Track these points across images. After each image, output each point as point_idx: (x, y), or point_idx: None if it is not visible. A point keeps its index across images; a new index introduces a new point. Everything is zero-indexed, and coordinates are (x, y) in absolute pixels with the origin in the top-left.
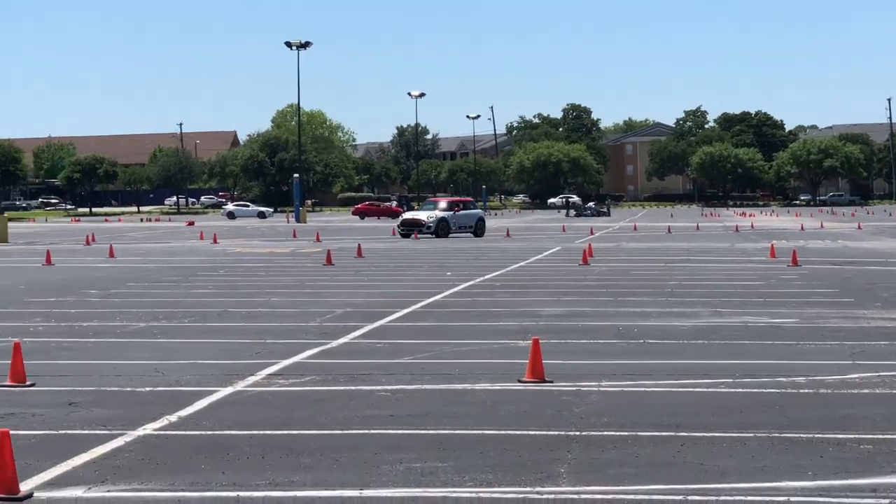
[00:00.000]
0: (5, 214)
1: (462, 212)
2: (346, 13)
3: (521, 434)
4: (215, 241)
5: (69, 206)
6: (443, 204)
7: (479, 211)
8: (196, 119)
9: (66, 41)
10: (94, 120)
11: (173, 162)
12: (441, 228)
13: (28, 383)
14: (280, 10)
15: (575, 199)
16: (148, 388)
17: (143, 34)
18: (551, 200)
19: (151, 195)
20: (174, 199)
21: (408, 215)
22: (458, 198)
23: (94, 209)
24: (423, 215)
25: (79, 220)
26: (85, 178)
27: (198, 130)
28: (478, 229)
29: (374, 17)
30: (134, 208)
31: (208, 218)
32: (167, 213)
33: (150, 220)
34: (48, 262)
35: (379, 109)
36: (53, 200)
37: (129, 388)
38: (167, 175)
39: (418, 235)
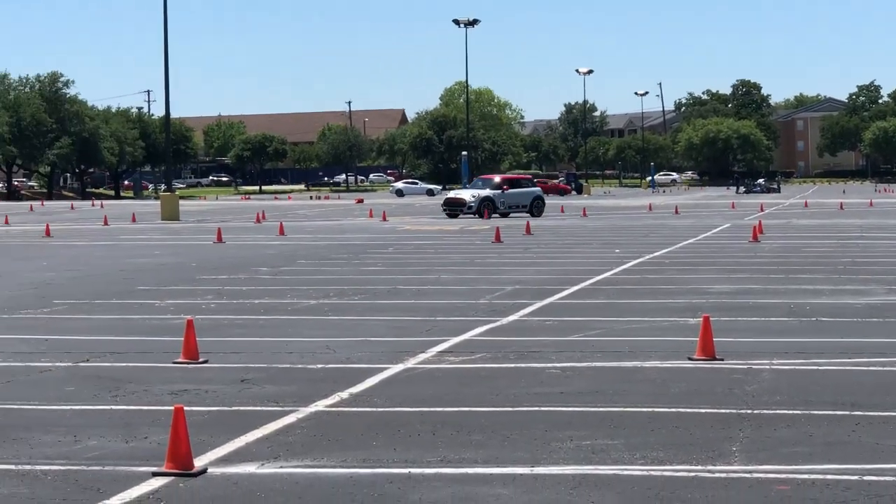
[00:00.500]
0: (176, 192)
1: (512, 190)
2: None
3: (692, 412)
4: (384, 219)
5: (239, 184)
6: (493, 181)
7: (536, 189)
8: (365, 97)
9: (235, 21)
10: (263, 98)
11: (342, 140)
12: (485, 208)
13: (201, 360)
14: None
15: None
16: (319, 365)
17: (311, 12)
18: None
19: (320, 173)
20: (343, 176)
21: (452, 194)
22: (512, 174)
23: (263, 187)
24: (466, 194)
25: (248, 198)
26: (255, 156)
27: (366, 108)
28: (533, 209)
29: None
30: (303, 186)
31: (377, 195)
32: (336, 191)
33: (319, 197)
34: (219, 239)
35: (547, 86)
36: (224, 178)
37: (300, 365)
38: (336, 153)
39: (462, 215)
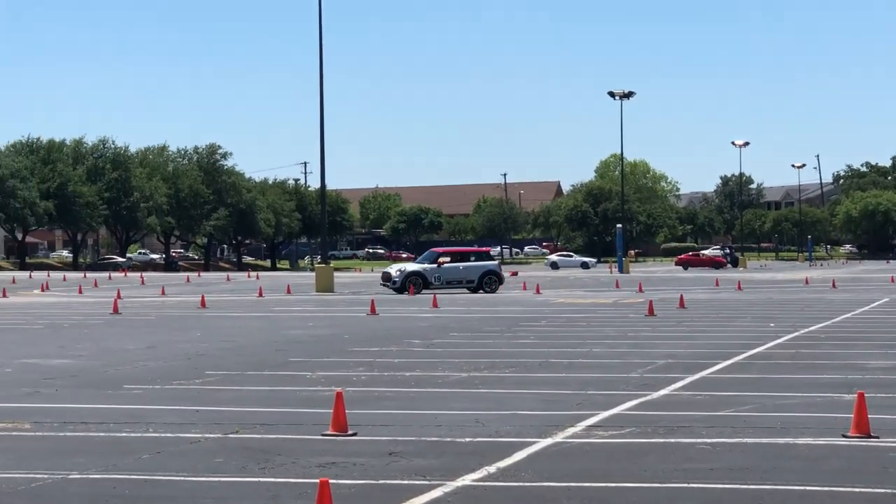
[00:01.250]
0: (331, 264)
1: (451, 265)
2: (669, 61)
3: (846, 491)
4: (538, 292)
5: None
6: (433, 255)
7: (489, 264)
8: (520, 169)
9: (391, 93)
10: (419, 171)
11: (497, 212)
12: (411, 283)
13: (350, 433)
14: (603, 60)
15: None
16: (468, 439)
17: (467, 85)
18: None
19: (475, 245)
20: (498, 248)
21: (388, 268)
22: (463, 248)
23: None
24: (394, 269)
25: None
26: (410, 228)
27: (522, 181)
28: (483, 285)
29: (697, 65)
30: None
31: (531, 268)
32: (505, 263)
33: None
34: (372, 311)
35: (702, 158)
36: (379, 250)
37: (448, 438)
38: (491, 225)
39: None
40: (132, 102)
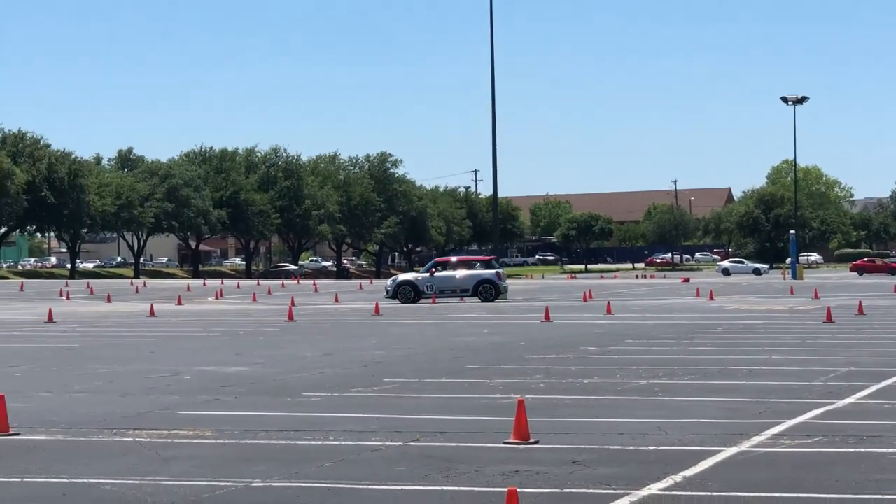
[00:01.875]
0: (504, 271)
1: (444, 273)
2: (843, 65)
3: None
4: (711, 298)
5: (565, 263)
6: (429, 264)
7: (484, 273)
8: (690, 176)
9: (562, 100)
10: (589, 177)
11: (668, 219)
12: (400, 293)
13: (531, 440)
14: (775, 64)
15: None
16: (651, 447)
17: (635, 93)
18: None
19: (646, 252)
20: (668, 255)
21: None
22: (462, 257)
23: (588, 266)
24: (389, 279)
25: (574, 277)
26: (580, 235)
27: (692, 187)
28: (481, 292)
29: (870, 68)
30: (628, 265)
31: (702, 274)
32: (662, 270)
33: (644, 276)
34: (546, 318)
35: (878, 163)
36: (550, 257)
37: (632, 447)
38: (661, 232)
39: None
40: (304, 111)
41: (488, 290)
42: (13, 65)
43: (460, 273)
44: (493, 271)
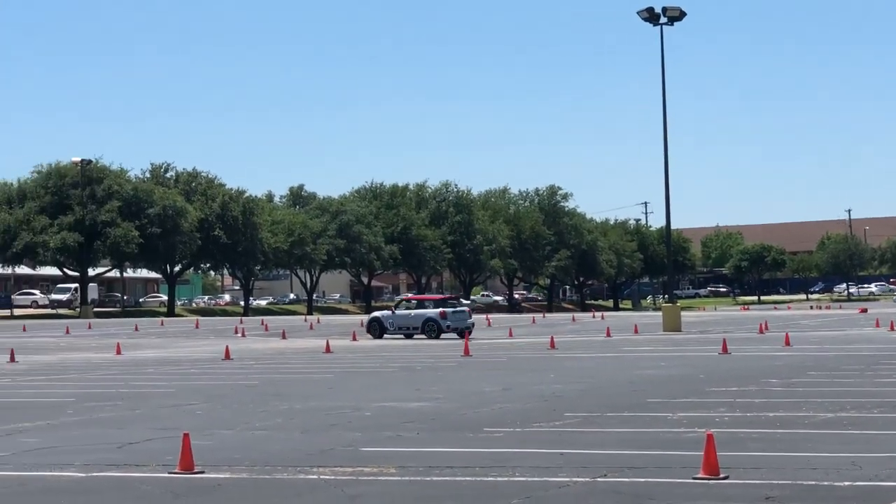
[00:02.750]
0: (678, 303)
1: (404, 311)
2: None
3: None
4: (892, 329)
5: (737, 294)
6: (396, 302)
7: (429, 312)
8: (865, 205)
9: (729, 132)
10: (760, 208)
11: (842, 249)
12: (371, 328)
13: (721, 475)
14: None
15: None
16: (846, 483)
17: (806, 119)
18: None
19: (820, 282)
20: (843, 286)
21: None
22: (424, 296)
23: (761, 297)
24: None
25: (748, 308)
26: (752, 266)
27: (867, 216)
28: (426, 330)
29: None
30: (802, 296)
31: (880, 305)
32: (837, 301)
33: (819, 307)
34: (724, 350)
35: None
36: (721, 289)
37: (826, 483)
38: (836, 262)
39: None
40: (473, 145)
41: (431, 328)
42: (189, 107)
43: (413, 312)
44: (437, 310)
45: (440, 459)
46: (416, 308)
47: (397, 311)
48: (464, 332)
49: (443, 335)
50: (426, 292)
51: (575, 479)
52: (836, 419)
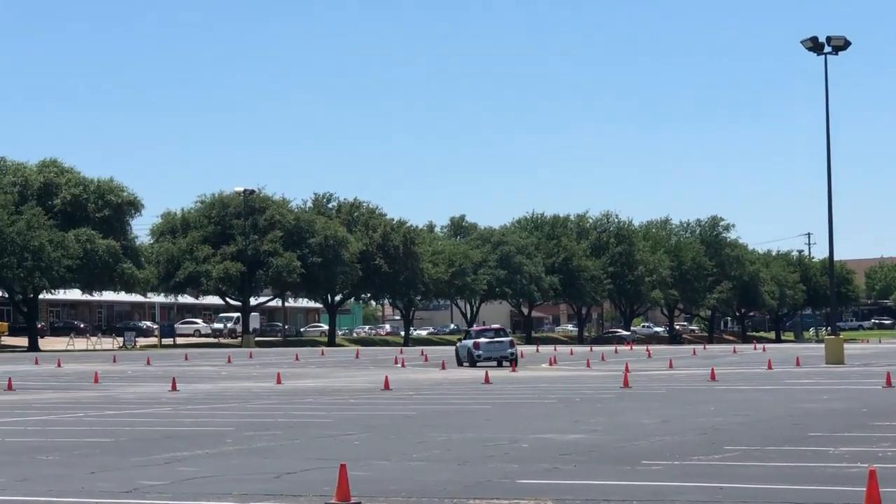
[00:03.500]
0: (841, 335)
1: (491, 340)
2: None
3: None
4: None
5: None
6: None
7: (468, 342)
8: None
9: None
10: None
11: None
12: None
13: None
14: None
15: None
16: None
17: None
18: None
19: None
20: None
21: None
22: (490, 327)
23: None
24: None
25: None
26: None
27: None
28: (467, 360)
29: None
30: None
31: None
32: None
33: None
34: (888, 384)
35: None
36: (886, 321)
37: None
38: None
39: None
40: (634, 175)
41: (470, 357)
42: (352, 137)
43: (500, 340)
44: (471, 342)
45: (597, 492)
46: (493, 338)
47: (481, 342)
48: (501, 361)
49: (479, 364)
50: (586, 322)
51: None
52: None
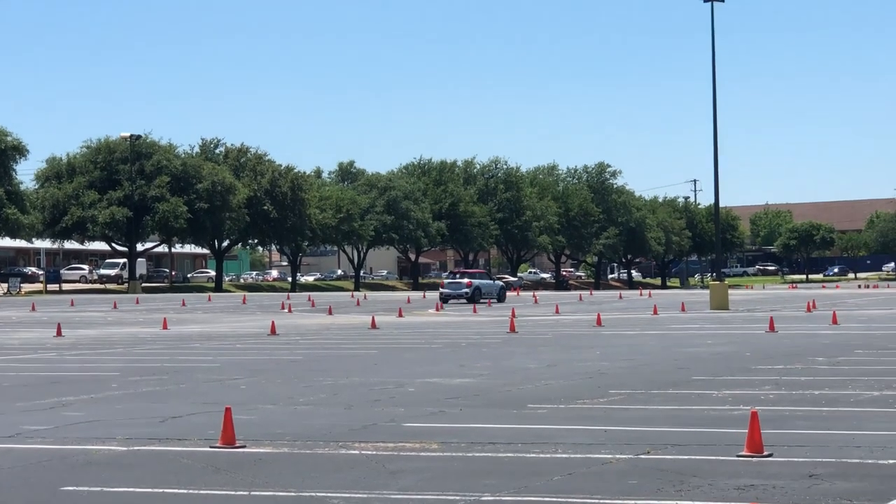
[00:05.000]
0: (726, 281)
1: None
2: None
3: None
4: None
5: (785, 273)
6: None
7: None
8: None
9: (780, 108)
10: (810, 186)
11: (891, 227)
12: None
13: (765, 453)
14: None
15: None
16: (892, 461)
17: (854, 97)
18: None
19: (868, 261)
20: (892, 264)
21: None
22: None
23: (809, 276)
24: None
25: (795, 287)
26: (801, 245)
27: None
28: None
29: None
30: (851, 275)
31: None
32: (885, 280)
33: (867, 286)
34: (771, 328)
35: None
36: (770, 267)
37: (870, 461)
38: (885, 241)
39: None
40: (522, 122)
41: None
42: (239, 83)
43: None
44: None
45: (482, 436)
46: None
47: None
48: (448, 298)
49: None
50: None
51: (618, 455)
52: (881, 397)
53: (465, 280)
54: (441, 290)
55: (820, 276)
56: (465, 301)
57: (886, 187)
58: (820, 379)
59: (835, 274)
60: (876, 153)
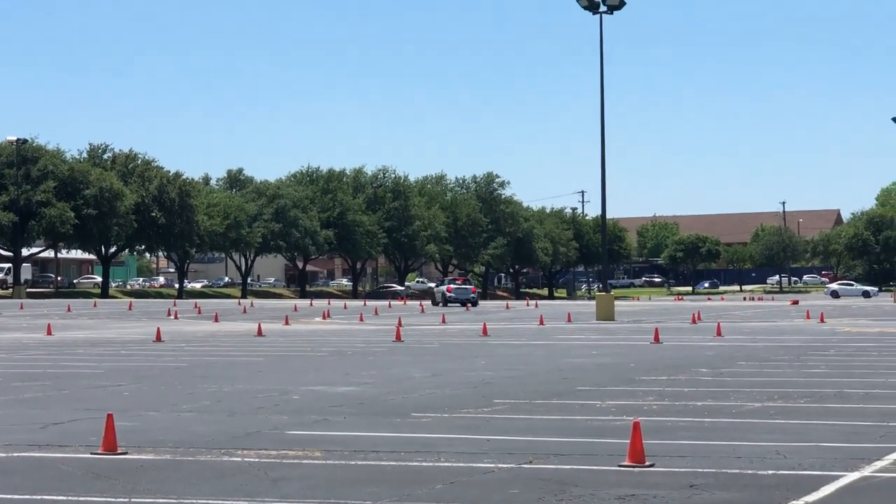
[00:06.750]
0: (612, 293)
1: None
2: None
3: None
4: (822, 320)
5: (671, 285)
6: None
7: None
8: (799, 198)
9: (666, 124)
10: (696, 199)
11: (776, 241)
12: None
13: (647, 463)
14: (886, 84)
15: None
16: (770, 471)
17: (740, 113)
18: None
19: (753, 274)
20: (776, 277)
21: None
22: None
23: (696, 288)
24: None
25: (682, 299)
26: (687, 257)
27: (800, 209)
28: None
29: None
30: (736, 287)
31: (811, 297)
32: (769, 292)
33: (752, 298)
34: (656, 340)
35: None
36: (656, 279)
37: (750, 471)
38: (770, 254)
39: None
40: (411, 131)
41: (443, 299)
42: (126, 88)
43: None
44: (445, 287)
45: (365, 444)
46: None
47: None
48: (465, 302)
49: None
50: (361, 277)
51: (500, 465)
52: (762, 409)
53: (471, 286)
54: (447, 293)
55: (702, 289)
56: (470, 305)
57: (772, 201)
58: (703, 390)
59: (705, 288)
60: (763, 167)
